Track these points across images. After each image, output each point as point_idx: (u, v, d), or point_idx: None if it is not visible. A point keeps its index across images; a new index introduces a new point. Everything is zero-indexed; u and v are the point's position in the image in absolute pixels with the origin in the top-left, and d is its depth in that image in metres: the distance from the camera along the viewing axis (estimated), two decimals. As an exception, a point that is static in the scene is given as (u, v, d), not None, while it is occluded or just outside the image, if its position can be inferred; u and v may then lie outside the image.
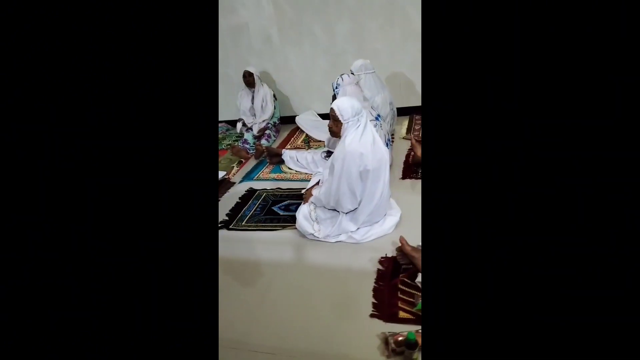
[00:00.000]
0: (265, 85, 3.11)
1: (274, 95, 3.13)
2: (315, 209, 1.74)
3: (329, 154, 2.38)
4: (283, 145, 2.91)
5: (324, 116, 3.20)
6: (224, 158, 2.84)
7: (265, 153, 2.64)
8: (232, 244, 1.81)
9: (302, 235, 1.75)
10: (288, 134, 3.13)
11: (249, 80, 3.04)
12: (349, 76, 2.39)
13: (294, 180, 2.33)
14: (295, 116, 3.27)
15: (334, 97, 2.48)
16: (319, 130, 2.98)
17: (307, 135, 3.03)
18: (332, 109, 1.56)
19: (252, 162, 2.70)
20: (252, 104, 3.12)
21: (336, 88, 2.42)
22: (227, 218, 2.02)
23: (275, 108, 3.11)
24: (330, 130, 1.61)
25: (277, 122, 3.14)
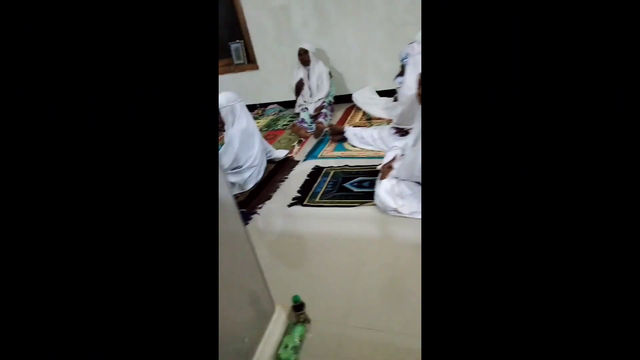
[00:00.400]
0: (320, 62, 3.02)
1: (329, 73, 3.02)
2: (398, 183, 1.64)
3: (398, 130, 2.26)
4: (340, 124, 2.82)
5: (381, 93, 3.06)
6: (282, 137, 2.80)
7: (327, 130, 2.56)
8: (309, 220, 1.77)
9: (383, 211, 1.67)
10: (344, 113, 3.03)
11: (304, 57, 2.96)
12: (419, 44, 2.23)
13: (360, 158, 2.24)
14: (349, 94, 3.15)
15: (403, 68, 2.33)
16: (378, 107, 2.85)
17: (364, 112, 2.91)
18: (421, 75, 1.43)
19: (311, 141, 2.63)
20: (308, 82, 3.04)
21: (405, 58, 2.28)
22: (299, 195, 1.97)
23: (331, 86, 3.01)
24: (421, 98, 1.48)
25: (333, 100, 3.04)
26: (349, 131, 2.41)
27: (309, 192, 1.98)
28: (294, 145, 2.58)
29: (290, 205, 1.90)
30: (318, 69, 2.99)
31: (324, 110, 2.91)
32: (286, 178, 2.19)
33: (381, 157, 2.17)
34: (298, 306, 1.19)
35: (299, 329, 1.18)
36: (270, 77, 3.46)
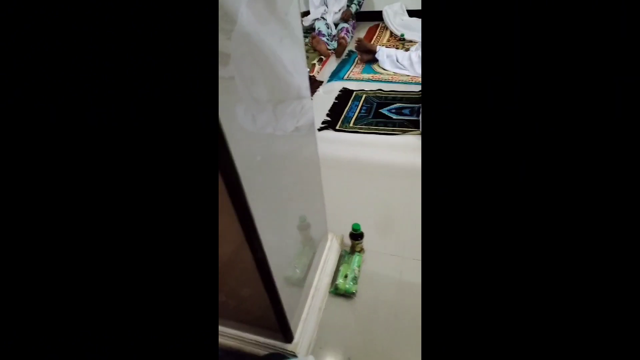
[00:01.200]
0: (344, -38, 2.49)
1: (354, -23, 2.52)
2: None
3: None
4: (364, 44, 2.43)
5: (411, 13, 2.65)
6: (297, 53, 2.39)
7: (355, 46, 2.19)
8: (345, 146, 1.53)
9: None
10: (367, 32, 2.62)
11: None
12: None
13: (396, 82, 1.95)
14: (374, 11, 2.70)
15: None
16: (413, 30, 2.47)
17: (392, 32, 2.52)
18: None
19: (332, 60, 2.27)
20: (326, -12, 2.53)
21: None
22: (328, 119, 1.70)
23: (355, -7, 2.53)
24: None
25: (359, 8, 2.57)
26: (382, 52, 2.07)
27: (339, 116, 1.71)
28: (314, 64, 2.21)
29: (321, 129, 1.64)
30: (341, -29, 2.47)
31: (344, 25, 2.47)
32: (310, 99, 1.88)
33: (420, 83, 1.90)
34: (357, 235, 1.03)
35: (357, 259, 1.04)
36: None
